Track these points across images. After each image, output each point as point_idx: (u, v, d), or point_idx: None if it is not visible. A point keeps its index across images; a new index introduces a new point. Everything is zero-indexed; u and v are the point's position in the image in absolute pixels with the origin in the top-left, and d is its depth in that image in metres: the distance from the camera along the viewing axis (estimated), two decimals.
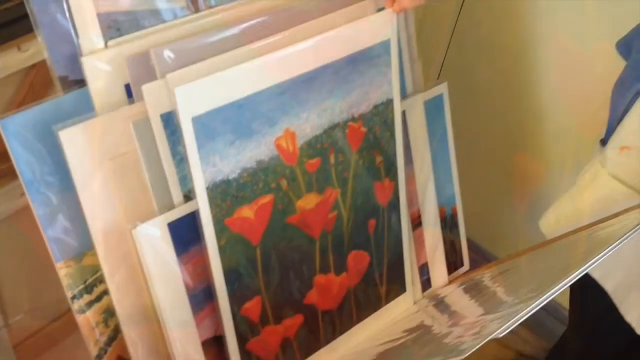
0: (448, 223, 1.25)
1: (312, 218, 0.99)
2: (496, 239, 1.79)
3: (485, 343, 1.77)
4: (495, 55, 1.53)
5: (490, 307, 0.95)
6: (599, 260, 0.81)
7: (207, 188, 0.87)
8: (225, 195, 0.89)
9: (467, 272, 1.30)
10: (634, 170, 1.02)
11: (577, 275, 0.80)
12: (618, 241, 0.84)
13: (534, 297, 0.78)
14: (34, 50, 1.03)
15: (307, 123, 0.94)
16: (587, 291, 1.38)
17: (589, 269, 0.81)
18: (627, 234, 0.84)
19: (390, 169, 1.08)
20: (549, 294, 0.77)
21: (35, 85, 1.07)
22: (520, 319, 0.75)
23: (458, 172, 1.24)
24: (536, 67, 1.46)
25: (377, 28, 0.97)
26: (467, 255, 1.30)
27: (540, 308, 1.76)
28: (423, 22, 1.59)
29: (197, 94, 0.82)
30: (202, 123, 0.84)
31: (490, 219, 1.76)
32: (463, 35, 1.55)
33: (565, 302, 1.54)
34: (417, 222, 1.18)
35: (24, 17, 0.98)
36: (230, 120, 0.86)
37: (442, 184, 1.22)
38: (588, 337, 1.47)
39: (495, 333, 0.74)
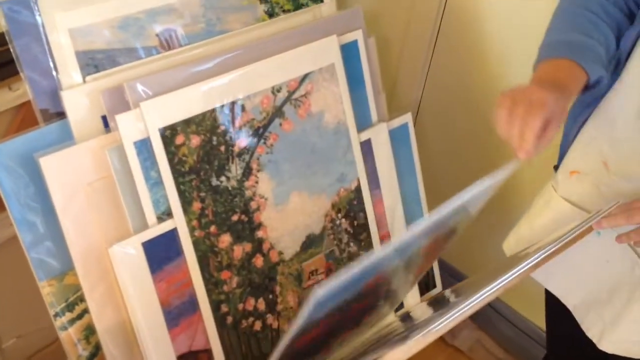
0: None
1: None
2: (468, 260, 1.83)
3: None
4: (469, 85, 1.60)
5: (440, 308, 1.01)
6: (534, 261, 0.86)
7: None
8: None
9: (439, 293, 1.35)
10: (583, 192, 1.07)
11: (515, 273, 0.84)
12: (555, 243, 0.89)
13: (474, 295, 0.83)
14: (24, 89, 1.11)
15: None
16: (558, 308, 1.43)
17: (523, 269, 0.85)
18: (564, 237, 0.90)
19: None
20: (486, 289, 0.81)
21: (25, 121, 1.15)
22: (459, 311, 0.80)
23: (428, 197, 1.31)
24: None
25: (321, 54, 1.06)
26: (439, 276, 1.35)
27: (524, 333, 1.80)
28: (400, 59, 1.68)
29: (160, 108, 0.91)
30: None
31: (465, 241, 1.81)
32: (439, 68, 1.63)
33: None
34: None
35: (13, 59, 1.07)
36: None
37: (410, 207, 1.28)
38: (563, 353, 1.51)
39: (437, 324, 0.78)
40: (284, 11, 1.12)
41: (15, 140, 0.91)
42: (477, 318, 1.89)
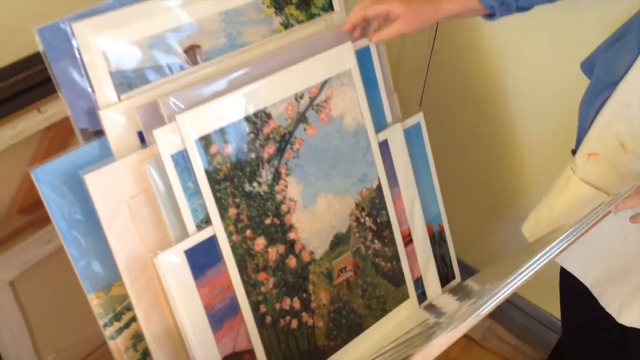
0: (437, 239, 1.36)
1: None
2: (482, 254, 1.88)
3: (488, 358, 1.86)
4: (470, 83, 1.66)
5: (464, 296, 1.05)
6: (559, 246, 0.91)
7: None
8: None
9: (458, 284, 1.40)
10: (600, 174, 1.13)
11: (539, 260, 0.89)
12: (575, 226, 0.93)
13: (499, 284, 0.87)
14: (52, 111, 1.15)
15: None
16: (573, 292, 1.49)
17: (551, 254, 0.90)
18: (583, 219, 0.94)
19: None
20: (515, 275, 0.86)
21: (53, 142, 1.19)
22: (494, 297, 0.84)
23: (442, 193, 1.36)
24: (507, 91, 1.59)
25: (338, 60, 1.11)
26: (458, 268, 1.41)
27: (535, 320, 1.85)
28: (400, 60, 1.74)
29: (194, 120, 0.96)
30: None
31: (475, 236, 1.86)
32: (439, 68, 1.69)
33: (559, 313, 1.64)
34: (408, 240, 1.29)
35: (42, 82, 1.12)
36: None
37: (427, 203, 1.33)
38: (580, 336, 1.56)
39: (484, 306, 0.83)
40: (298, 22, 1.17)
41: (59, 159, 0.95)
42: None
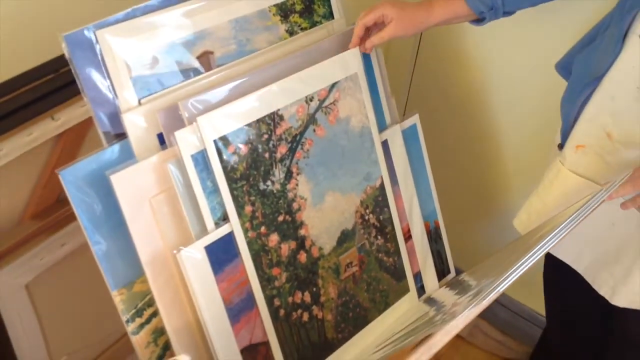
0: (433, 236, 1.43)
1: None
2: (472, 251, 1.95)
3: (475, 354, 1.93)
4: (454, 86, 1.74)
5: (461, 290, 1.11)
6: (555, 238, 0.96)
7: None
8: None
9: (454, 278, 1.47)
10: (589, 164, 1.21)
11: (537, 252, 0.94)
12: (570, 218, 0.99)
13: (495, 279, 0.92)
14: (65, 118, 1.19)
15: None
16: (557, 283, 1.57)
17: (547, 247, 0.95)
18: (579, 211, 1.01)
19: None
20: (514, 269, 0.91)
21: (65, 148, 1.23)
22: (492, 291, 0.89)
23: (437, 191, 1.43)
24: (490, 93, 1.67)
25: (345, 64, 1.17)
26: (452, 263, 1.47)
27: (519, 316, 1.92)
28: (386, 66, 1.80)
29: (213, 121, 1.01)
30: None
31: (467, 232, 1.93)
32: (423, 72, 1.76)
33: (541, 309, 1.72)
34: (407, 236, 1.35)
35: (56, 90, 1.16)
36: None
37: (424, 201, 1.39)
38: (564, 327, 1.64)
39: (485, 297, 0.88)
40: (301, 29, 1.23)
41: (84, 161, 0.99)
42: None
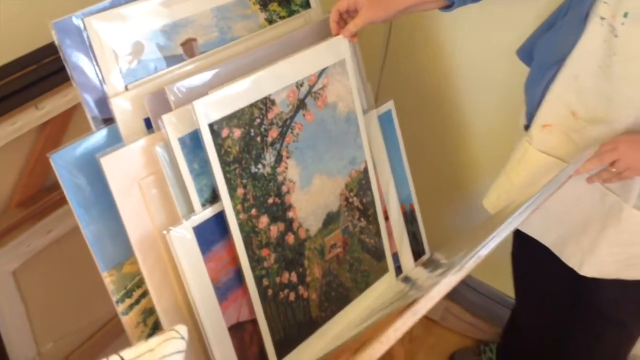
0: (409, 218, 1.47)
1: None
2: (446, 232, 2.00)
3: (448, 336, 1.99)
4: (422, 77, 1.79)
5: (434, 268, 1.16)
6: (525, 212, 1.01)
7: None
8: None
9: (428, 258, 1.52)
10: (555, 143, 1.27)
11: (505, 229, 0.99)
12: (539, 193, 1.04)
13: (464, 255, 0.97)
14: (49, 107, 1.21)
15: None
16: (525, 261, 1.63)
17: (517, 221, 1.00)
18: (547, 185, 1.06)
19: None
20: (484, 243, 0.96)
21: (50, 137, 1.25)
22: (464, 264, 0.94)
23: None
24: (456, 80, 1.73)
25: (334, 50, 1.21)
26: (427, 244, 1.52)
27: (488, 298, 1.98)
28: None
29: (208, 106, 1.03)
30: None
31: (441, 215, 1.99)
32: (393, 61, 1.81)
33: (510, 291, 1.78)
34: (385, 218, 1.40)
35: (40, 80, 1.18)
36: None
37: (399, 184, 1.44)
38: (533, 304, 1.71)
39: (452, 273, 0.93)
40: (280, 17, 1.27)
41: (73, 145, 1.02)
42: None
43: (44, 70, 1.22)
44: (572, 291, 1.54)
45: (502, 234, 0.99)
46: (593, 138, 1.19)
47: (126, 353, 0.82)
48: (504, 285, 1.97)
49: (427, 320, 2.05)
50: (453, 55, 1.69)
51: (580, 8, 1.14)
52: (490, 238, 0.97)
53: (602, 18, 1.10)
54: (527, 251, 1.58)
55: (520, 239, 1.58)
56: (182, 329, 0.84)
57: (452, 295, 2.08)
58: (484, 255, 0.95)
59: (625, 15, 1.06)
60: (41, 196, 1.26)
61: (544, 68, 1.24)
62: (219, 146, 1.06)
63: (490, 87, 1.67)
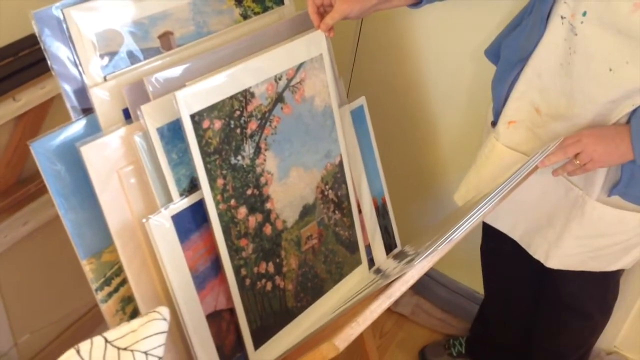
0: (381, 211, 1.51)
1: None
2: (417, 226, 2.04)
3: (418, 331, 2.03)
4: (392, 75, 1.83)
5: (403, 259, 1.19)
6: (491, 201, 1.05)
7: None
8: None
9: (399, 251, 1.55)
10: (521, 138, 1.31)
11: (475, 215, 1.03)
12: (503, 184, 1.08)
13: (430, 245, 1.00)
14: (26, 99, 1.22)
15: None
16: (494, 255, 1.68)
17: (484, 209, 1.04)
18: (511, 177, 1.10)
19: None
20: (453, 230, 0.99)
21: (27, 128, 1.25)
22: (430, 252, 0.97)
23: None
24: (425, 78, 1.77)
25: (312, 45, 1.24)
26: (399, 237, 1.55)
27: (461, 296, 2.03)
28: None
29: (190, 97, 1.05)
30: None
31: (412, 209, 2.03)
32: (364, 61, 1.85)
33: (479, 287, 1.82)
34: (358, 211, 1.43)
35: (18, 71, 1.19)
36: None
37: (371, 179, 1.47)
38: (501, 294, 1.75)
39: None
40: (254, 13, 1.30)
41: (54, 134, 1.03)
42: (414, 285, 2.11)
43: (22, 62, 1.22)
44: (539, 283, 1.58)
45: (472, 220, 1.02)
46: (556, 133, 1.24)
47: (109, 334, 0.83)
48: (473, 281, 2.02)
49: (397, 315, 2.09)
50: (422, 54, 1.74)
51: (543, 8, 1.19)
52: (461, 223, 1.00)
53: (563, 17, 1.15)
54: (495, 245, 1.63)
55: (488, 233, 1.62)
56: (164, 311, 0.86)
57: (423, 292, 2.12)
58: (456, 240, 0.98)
59: (584, 14, 1.11)
60: (17, 188, 1.26)
61: (510, 66, 1.29)
62: (200, 137, 1.07)
63: (459, 85, 1.72)
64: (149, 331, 0.83)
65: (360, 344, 1.69)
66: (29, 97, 1.23)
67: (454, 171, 1.87)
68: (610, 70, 1.11)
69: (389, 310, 2.10)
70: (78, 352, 0.81)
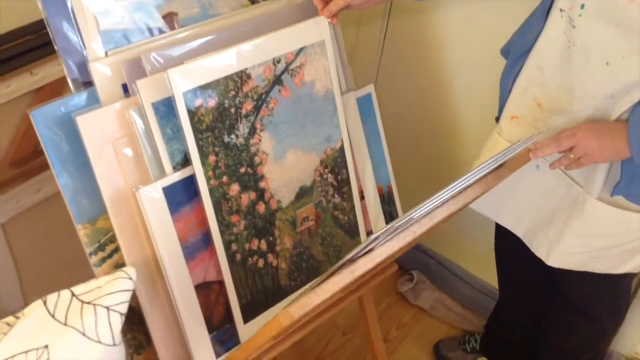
0: (386, 199, 1.52)
1: None
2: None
3: (436, 325, 2.03)
4: (416, 69, 1.84)
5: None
6: (476, 174, 1.05)
7: None
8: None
9: None
10: (523, 133, 1.31)
11: (457, 185, 1.03)
12: (487, 162, 1.08)
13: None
14: (43, 74, 1.29)
15: None
16: (506, 251, 1.66)
17: (467, 181, 1.05)
18: (495, 157, 1.09)
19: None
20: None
21: (43, 102, 1.33)
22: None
23: (394, 160, 1.52)
24: (449, 72, 1.77)
25: (313, 31, 1.27)
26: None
27: (482, 293, 2.01)
28: (356, 41, 1.91)
29: (183, 75, 1.09)
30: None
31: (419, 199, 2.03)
32: (390, 55, 1.87)
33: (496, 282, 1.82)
34: (360, 196, 1.45)
35: (36, 48, 1.26)
36: None
37: (377, 166, 1.49)
38: (514, 292, 1.74)
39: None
40: None
41: (54, 104, 1.09)
42: (436, 280, 2.12)
43: (41, 40, 1.30)
44: (549, 282, 1.57)
45: (440, 197, 1.02)
46: (558, 128, 1.23)
47: (77, 288, 0.89)
48: (494, 278, 2.00)
49: (417, 309, 2.10)
50: (445, 50, 1.74)
51: (544, 1, 1.18)
52: (428, 200, 1.00)
53: (562, 10, 1.14)
54: (507, 243, 1.62)
55: (501, 231, 1.61)
56: (131, 271, 0.91)
57: (444, 287, 2.12)
58: (419, 217, 0.99)
59: (582, 7, 1.10)
60: (32, 158, 1.34)
61: (514, 61, 1.28)
62: (192, 114, 1.12)
63: (479, 83, 1.71)
64: (114, 288, 0.88)
65: (370, 348, 1.70)
66: (45, 72, 1.30)
67: (464, 165, 1.86)
68: (607, 64, 1.10)
69: (408, 304, 2.11)
70: (45, 303, 0.87)
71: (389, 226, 0.92)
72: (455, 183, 1.03)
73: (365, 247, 0.94)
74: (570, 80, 1.17)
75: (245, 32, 1.23)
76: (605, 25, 1.08)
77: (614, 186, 1.22)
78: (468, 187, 1.09)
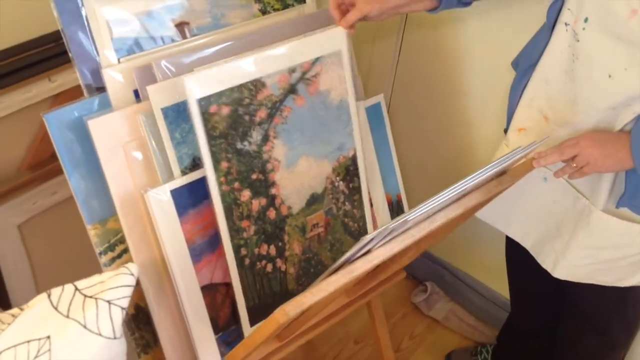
0: (395, 208, 1.54)
1: None
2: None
3: (448, 336, 2.03)
4: (431, 81, 1.86)
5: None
6: (475, 177, 1.06)
7: None
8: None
9: None
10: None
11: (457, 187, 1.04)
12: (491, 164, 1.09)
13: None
14: (61, 81, 1.34)
15: None
16: (517, 263, 1.66)
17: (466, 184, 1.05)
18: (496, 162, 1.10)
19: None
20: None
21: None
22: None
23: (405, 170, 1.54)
24: (464, 85, 1.79)
25: (330, 41, 1.28)
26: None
27: (490, 302, 2.01)
28: (371, 54, 1.93)
29: (198, 82, 1.11)
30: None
31: None
32: (407, 61, 1.89)
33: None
34: (370, 204, 1.47)
35: (55, 56, 1.31)
36: None
37: (386, 175, 1.51)
38: (525, 304, 1.73)
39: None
40: (274, 9, 1.37)
41: (67, 108, 1.13)
42: (450, 291, 2.12)
43: (59, 49, 1.35)
44: (559, 293, 1.56)
45: (435, 202, 1.02)
46: (562, 140, 1.23)
47: (80, 283, 0.92)
48: (507, 290, 2.00)
49: (430, 320, 2.10)
50: (459, 63, 1.76)
51: (550, 15, 1.20)
52: (423, 205, 1.00)
53: (567, 24, 1.15)
54: (517, 253, 1.62)
55: (510, 241, 1.61)
56: (133, 267, 0.94)
57: (458, 298, 2.12)
58: (416, 220, 0.99)
59: (586, 20, 1.11)
60: (50, 162, 1.39)
61: (522, 73, 1.30)
62: (206, 121, 1.14)
63: (494, 95, 1.72)
64: (116, 283, 0.91)
65: (378, 345, 1.71)
66: (63, 79, 1.35)
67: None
68: (610, 76, 1.11)
69: (422, 314, 2.11)
70: (49, 296, 0.90)
71: (383, 227, 0.94)
72: (454, 186, 1.04)
73: (361, 248, 0.95)
74: (574, 92, 1.18)
75: (257, 40, 1.26)
76: (607, 38, 1.09)
77: (619, 198, 1.22)
78: (469, 192, 1.10)
